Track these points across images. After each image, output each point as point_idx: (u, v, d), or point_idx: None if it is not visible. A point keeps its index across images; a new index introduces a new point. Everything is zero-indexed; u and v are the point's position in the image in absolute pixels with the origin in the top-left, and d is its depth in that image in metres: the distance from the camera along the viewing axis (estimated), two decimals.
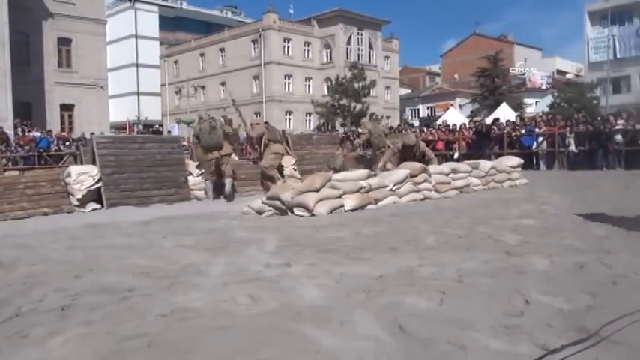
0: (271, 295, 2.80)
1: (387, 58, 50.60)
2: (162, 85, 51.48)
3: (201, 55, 49.75)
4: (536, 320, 2.25)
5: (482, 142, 17.54)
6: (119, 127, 36.14)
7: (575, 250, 3.76)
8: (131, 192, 9.05)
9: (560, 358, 1.82)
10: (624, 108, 20.35)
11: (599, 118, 17.21)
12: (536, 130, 17.42)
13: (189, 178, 9.93)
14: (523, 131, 17.68)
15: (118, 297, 2.90)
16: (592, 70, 42.90)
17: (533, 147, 17.12)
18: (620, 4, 42.12)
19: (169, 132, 34.13)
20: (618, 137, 15.24)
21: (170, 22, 54.78)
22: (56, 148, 19.48)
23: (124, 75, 47.99)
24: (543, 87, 47.42)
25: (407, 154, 9.96)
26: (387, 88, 50.26)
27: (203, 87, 48.47)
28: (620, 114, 17.01)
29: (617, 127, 15.44)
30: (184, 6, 58.33)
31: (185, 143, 16.89)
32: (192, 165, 10.32)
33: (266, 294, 2.83)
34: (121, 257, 4.08)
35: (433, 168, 8.74)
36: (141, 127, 38.87)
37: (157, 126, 41.95)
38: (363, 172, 7.94)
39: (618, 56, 41.14)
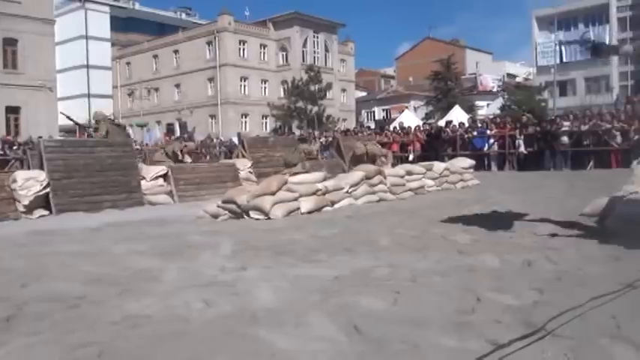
0: (226, 300, 2.77)
1: (342, 61, 50.96)
2: (115, 87, 50.25)
3: (155, 56, 48.86)
4: (486, 317, 2.31)
5: (435, 144, 17.88)
6: (69, 131, 35.05)
7: (523, 248, 3.88)
8: (80, 197, 8.78)
9: (508, 352, 1.88)
10: (570, 110, 21.14)
11: (553, 118, 17.81)
12: (488, 131, 17.90)
13: (143, 182, 9.72)
14: (475, 133, 18.13)
15: (67, 305, 2.80)
16: (540, 73, 44.51)
17: (485, 148, 17.58)
18: (566, 10, 43.85)
19: None
20: (564, 139, 15.82)
21: (122, 22, 53.49)
22: (1, 152, 18.76)
23: (73, 77, 46.49)
24: (494, 90, 48.76)
25: (358, 160, 10.07)
26: (343, 90, 50.61)
27: (157, 89, 47.61)
28: (566, 116, 17.66)
29: (563, 129, 16.01)
30: (137, 7, 57.09)
31: (138, 147, 16.56)
32: (145, 169, 10.11)
33: (221, 298, 2.80)
34: (70, 265, 3.96)
35: (388, 170, 8.86)
36: (91, 130, 37.78)
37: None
38: (320, 174, 7.97)
39: (564, 60, 42.79)
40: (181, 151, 11.56)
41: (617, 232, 4.09)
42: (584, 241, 4.02)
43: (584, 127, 15.75)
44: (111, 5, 51.59)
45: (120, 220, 7.22)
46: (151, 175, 9.86)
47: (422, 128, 20.52)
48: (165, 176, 10.04)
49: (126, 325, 2.42)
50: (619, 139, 14.91)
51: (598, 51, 3.57)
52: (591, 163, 15.29)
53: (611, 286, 2.58)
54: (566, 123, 16.30)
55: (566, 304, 2.32)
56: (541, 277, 2.98)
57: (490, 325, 2.20)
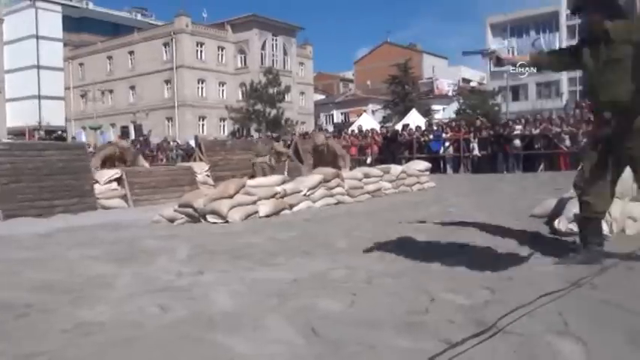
0: (182, 305, 2.74)
1: (301, 64, 51.05)
2: (67, 88, 48.82)
3: (109, 57, 47.77)
4: (439, 317, 2.36)
5: (392, 147, 18.14)
6: (18, 133, 33.87)
7: (475, 248, 3.98)
8: (30, 202, 8.48)
9: (460, 351, 1.92)
10: (522, 114, 21.80)
11: (506, 122, 18.34)
12: (443, 135, 18.27)
13: (96, 186, 9.47)
14: (431, 136, 18.47)
15: (15, 314, 2.71)
16: (494, 78, 45.54)
17: (441, 151, 17.93)
18: (518, 17, 45.26)
19: (74, 138, 32.40)
20: (517, 142, 16.31)
21: (75, 22, 52.08)
22: None
23: (23, 77, 44.95)
24: (450, 94, 49.75)
25: (319, 155, 9.91)
26: (302, 93, 50.67)
27: (111, 91, 46.53)
28: (518, 120, 18.20)
29: (515, 133, 16.51)
30: (90, 6, 55.63)
31: (91, 149, 16.14)
32: (98, 173, 9.86)
33: (177, 303, 2.76)
34: (19, 272, 3.82)
35: (346, 173, 8.92)
36: (42, 132, 36.55)
37: (60, 132, 39.63)
38: (278, 177, 7.96)
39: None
40: (111, 155, 10.93)
41: (564, 233, 4.26)
42: (534, 241, 4.15)
43: (535, 131, 16.26)
44: (63, 4, 50.13)
45: (72, 225, 7.02)
46: (104, 178, 9.62)
47: (379, 131, 20.77)
48: (119, 180, 9.82)
49: (78, 333, 2.36)
50: (568, 142, 15.48)
51: (500, 60, 3.66)
52: (542, 166, 15.83)
53: (559, 285, 2.68)
54: (518, 127, 16.81)
55: (516, 303, 2.39)
56: (493, 276, 3.06)
57: (443, 325, 2.25)
